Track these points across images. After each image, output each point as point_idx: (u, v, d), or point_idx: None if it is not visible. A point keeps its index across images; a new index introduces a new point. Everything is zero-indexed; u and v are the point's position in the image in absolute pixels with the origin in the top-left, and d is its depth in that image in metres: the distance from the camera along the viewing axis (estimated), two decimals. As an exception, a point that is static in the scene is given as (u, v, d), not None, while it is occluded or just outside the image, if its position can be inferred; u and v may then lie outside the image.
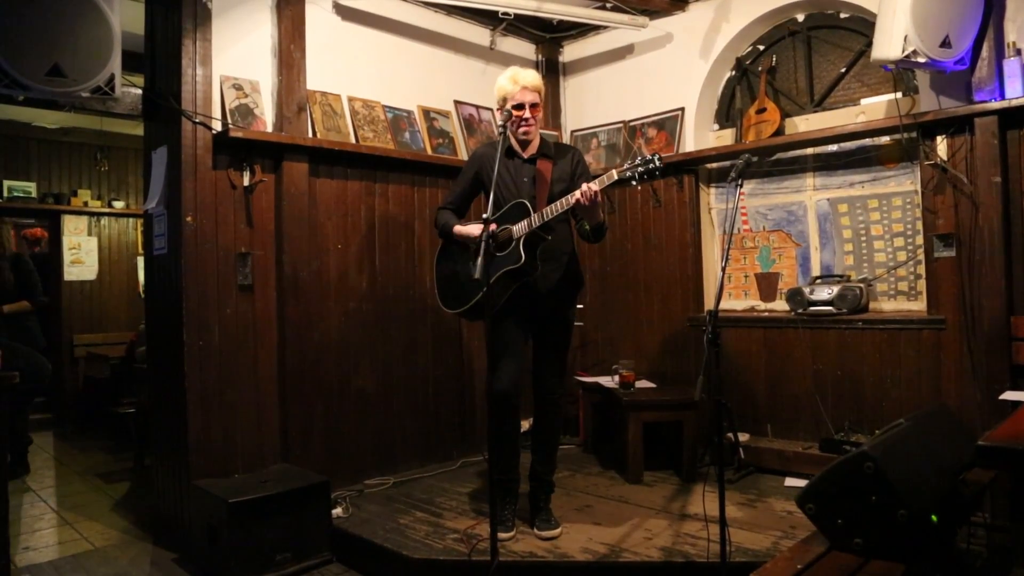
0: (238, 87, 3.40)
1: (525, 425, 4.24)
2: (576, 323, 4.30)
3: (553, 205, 2.71)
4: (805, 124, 3.91)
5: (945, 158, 3.25)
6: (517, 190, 2.90)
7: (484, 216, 2.42)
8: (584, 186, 2.60)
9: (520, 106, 2.85)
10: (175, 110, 3.17)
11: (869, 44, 3.23)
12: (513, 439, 2.99)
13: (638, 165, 2.57)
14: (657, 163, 2.55)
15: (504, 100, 2.89)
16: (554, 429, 3.06)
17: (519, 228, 2.78)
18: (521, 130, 2.90)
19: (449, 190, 3.26)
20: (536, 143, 2.96)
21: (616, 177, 2.61)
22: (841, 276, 3.74)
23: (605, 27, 4.54)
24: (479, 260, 2.35)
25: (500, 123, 2.74)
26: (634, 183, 2.60)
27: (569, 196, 2.65)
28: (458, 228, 2.97)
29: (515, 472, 3.01)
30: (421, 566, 2.73)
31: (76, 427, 6.35)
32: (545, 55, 4.85)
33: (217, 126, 3.29)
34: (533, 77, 2.89)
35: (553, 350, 2.99)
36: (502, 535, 2.80)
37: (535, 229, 2.74)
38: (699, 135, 4.25)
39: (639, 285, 4.43)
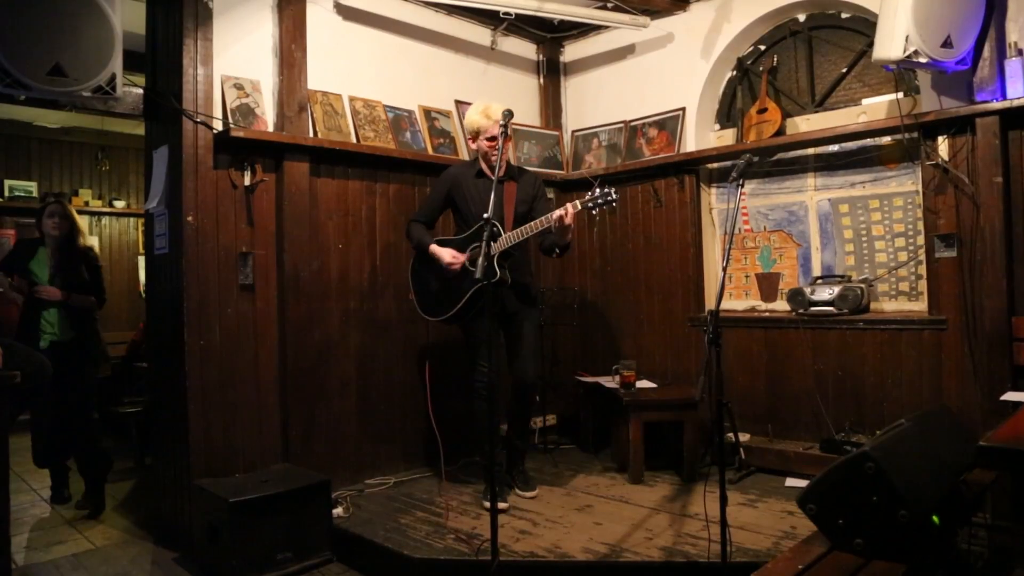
0: (239, 87, 3.40)
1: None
2: (574, 323, 4.38)
3: (529, 224, 3.09)
4: (806, 124, 3.91)
5: (946, 158, 3.24)
6: (486, 208, 3.04)
7: (485, 215, 2.54)
8: (568, 206, 3.00)
9: (493, 138, 3.26)
10: (176, 110, 3.17)
11: (870, 44, 3.23)
12: (493, 419, 3.32)
13: (598, 198, 2.98)
14: (613, 197, 2.97)
15: (477, 132, 3.31)
16: (526, 409, 3.47)
17: (494, 246, 3.10)
18: (492, 157, 3.27)
19: (420, 204, 3.65)
20: (504, 167, 3.25)
21: (579, 207, 3.01)
22: (842, 276, 3.74)
23: (606, 27, 4.55)
24: (480, 261, 2.50)
25: (501, 123, 2.85)
26: (594, 212, 3.03)
27: (550, 215, 3.03)
28: (433, 248, 3.32)
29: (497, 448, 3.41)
30: (422, 566, 2.73)
31: (77, 426, 6.34)
32: (546, 55, 4.86)
33: (218, 125, 3.29)
34: (495, 110, 3.25)
35: (526, 345, 3.34)
36: (501, 506, 3.15)
37: (508, 248, 3.14)
38: (700, 135, 4.25)
39: (640, 285, 4.43)
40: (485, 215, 2.54)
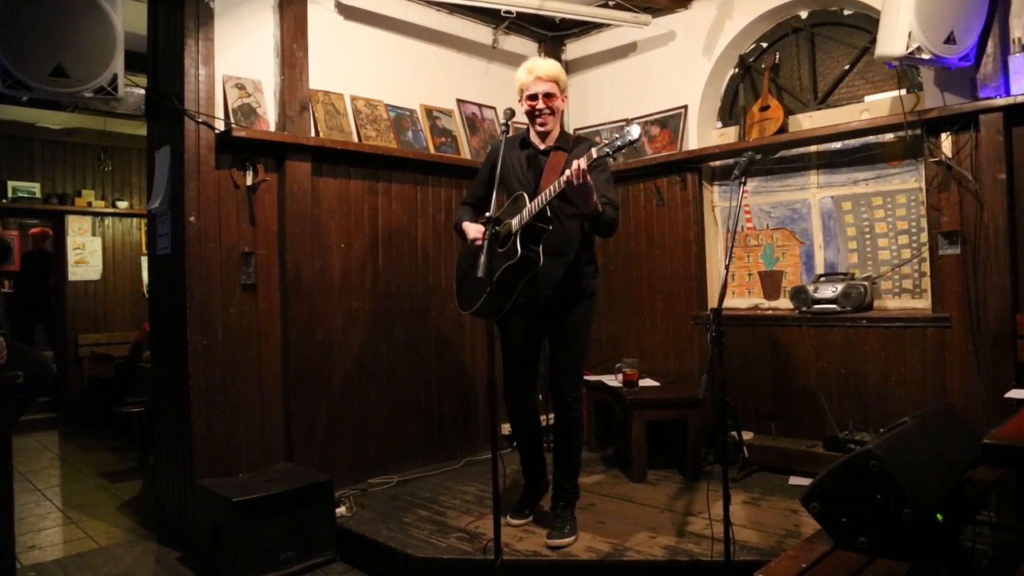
0: (241, 87, 3.40)
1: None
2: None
3: (544, 193, 2.60)
4: (809, 121, 3.90)
5: (950, 155, 3.23)
6: (526, 182, 2.82)
7: (487, 215, 2.45)
8: (574, 163, 2.44)
9: (534, 96, 2.79)
10: (178, 110, 3.18)
11: (873, 41, 3.22)
12: (532, 439, 3.06)
13: (616, 140, 2.41)
14: (634, 136, 2.38)
15: (521, 92, 2.83)
16: (569, 432, 2.93)
17: (516, 221, 2.69)
18: (538, 121, 2.82)
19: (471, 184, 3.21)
20: (555, 135, 2.87)
21: (596, 155, 2.43)
22: (845, 274, 3.73)
23: (608, 25, 4.54)
24: (481, 258, 2.38)
25: (503, 121, 2.72)
26: (613, 158, 2.50)
27: (559, 180, 2.52)
28: (464, 224, 2.89)
29: (538, 468, 3.07)
30: (424, 565, 2.73)
31: (81, 427, 6.37)
32: (548, 53, 4.84)
33: (220, 126, 3.29)
34: (549, 66, 2.81)
35: (562, 351, 2.86)
36: (513, 520, 2.97)
37: (531, 220, 2.64)
38: (702, 133, 4.24)
39: (643, 283, 4.42)
40: (487, 214, 2.43)
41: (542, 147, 2.87)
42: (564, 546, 2.74)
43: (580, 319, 2.86)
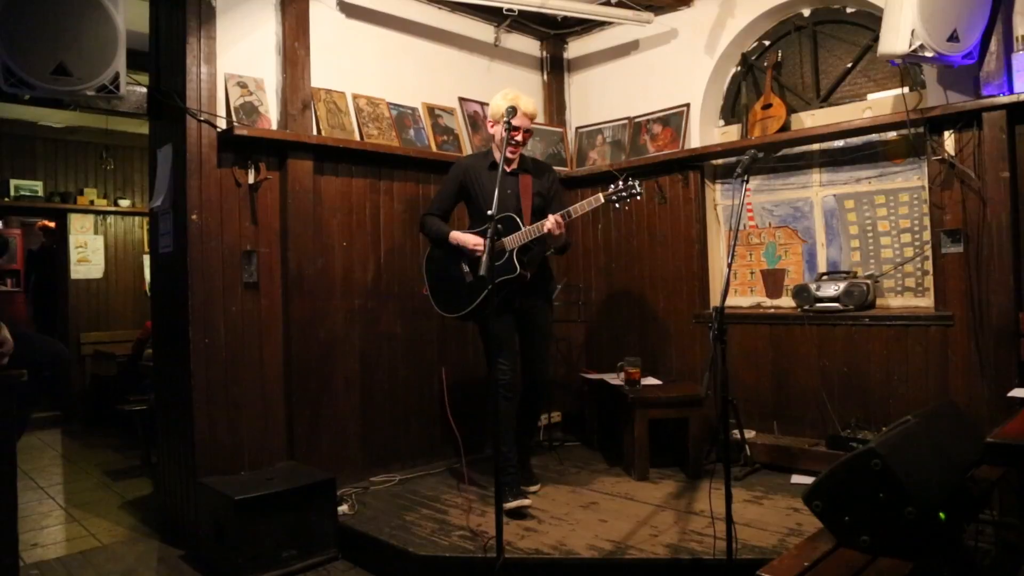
0: (243, 85, 3.41)
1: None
2: (581, 320, 4.38)
3: (532, 227, 3.10)
4: (811, 120, 3.89)
5: (953, 153, 3.22)
6: (502, 201, 3.00)
7: (489, 213, 2.51)
8: (551, 219, 3.01)
9: (516, 129, 3.12)
10: (180, 108, 3.18)
11: (876, 39, 3.22)
12: (514, 420, 3.35)
13: (622, 191, 3.03)
14: (639, 191, 3.03)
15: (502, 116, 2.97)
16: (537, 401, 3.48)
17: (511, 240, 3.11)
18: (517, 152, 3.22)
19: (433, 198, 3.54)
20: (518, 159, 3.28)
21: (603, 200, 3.05)
22: (848, 272, 3.72)
23: (610, 23, 4.53)
24: (484, 259, 2.49)
25: (505, 120, 2.86)
26: (616, 207, 3.08)
27: (540, 224, 3.06)
28: (455, 235, 3.23)
29: (513, 448, 3.33)
30: (426, 563, 2.73)
31: (83, 425, 6.38)
32: (550, 51, 4.85)
33: (222, 124, 3.30)
34: (534, 107, 3.22)
35: (538, 342, 3.35)
36: (516, 502, 3.08)
37: (527, 243, 3.11)
38: (704, 131, 4.23)
39: (645, 282, 4.42)
40: (489, 212, 2.50)
41: (508, 169, 3.26)
42: (537, 491, 3.38)
43: (550, 316, 3.48)
